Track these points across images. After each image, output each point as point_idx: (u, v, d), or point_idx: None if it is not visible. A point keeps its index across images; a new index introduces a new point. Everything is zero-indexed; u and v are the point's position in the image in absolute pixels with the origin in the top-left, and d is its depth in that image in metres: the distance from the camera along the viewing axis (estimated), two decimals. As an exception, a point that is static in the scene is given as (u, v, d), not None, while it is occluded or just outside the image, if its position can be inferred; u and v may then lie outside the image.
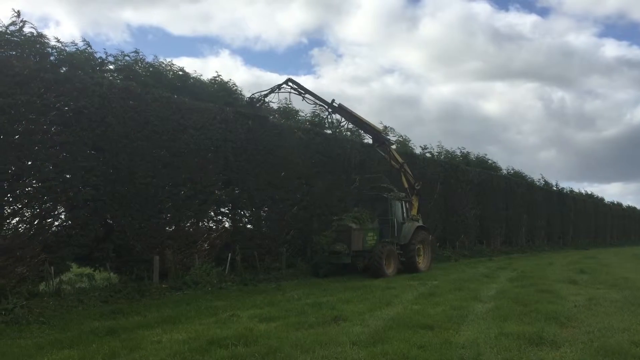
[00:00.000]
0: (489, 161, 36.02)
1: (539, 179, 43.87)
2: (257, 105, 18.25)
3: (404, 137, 26.75)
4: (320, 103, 19.47)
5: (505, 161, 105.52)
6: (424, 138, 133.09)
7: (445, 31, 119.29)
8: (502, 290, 13.54)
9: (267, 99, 18.49)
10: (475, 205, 31.34)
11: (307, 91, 19.02)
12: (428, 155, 29.10)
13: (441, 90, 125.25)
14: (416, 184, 21.05)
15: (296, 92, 18.94)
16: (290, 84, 18.77)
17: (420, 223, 20.32)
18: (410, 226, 19.47)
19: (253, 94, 18.29)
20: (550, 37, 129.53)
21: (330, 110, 19.64)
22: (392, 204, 19.13)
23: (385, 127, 25.60)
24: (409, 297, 12.57)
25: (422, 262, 19.71)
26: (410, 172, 21.22)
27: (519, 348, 7.35)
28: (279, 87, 18.59)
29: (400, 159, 20.90)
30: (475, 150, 44.01)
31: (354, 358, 6.90)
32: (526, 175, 41.05)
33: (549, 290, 13.35)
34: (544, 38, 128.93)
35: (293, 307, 11.03)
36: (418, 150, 28.29)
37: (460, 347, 7.41)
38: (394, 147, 22.06)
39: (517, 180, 38.37)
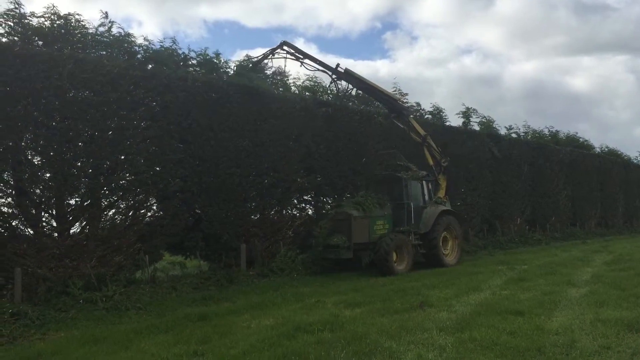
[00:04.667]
0: (580, 139, 34.30)
1: (636, 157, 41.38)
2: (247, 71, 15.91)
3: (487, 118, 25.86)
4: (323, 69, 17.09)
5: (598, 139, 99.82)
6: (508, 118, 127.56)
7: (524, 6, 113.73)
8: (598, 275, 12.89)
9: (258, 66, 16.61)
10: (566, 186, 29.93)
11: (306, 55, 16.89)
12: (514, 135, 28.09)
13: (523, 68, 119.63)
14: (443, 160, 18.08)
15: (293, 57, 16.83)
16: (285, 48, 16.75)
17: (447, 207, 17.32)
18: (433, 211, 16.54)
19: (243, 61, 16.53)
20: (638, 6, 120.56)
21: (335, 76, 17.23)
22: (408, 185, 16.37)
23: (468, 109, 25.02)
24: (497, 282, 12.25)
25: (448, 254, 16.81)
26: (435, 146, 18.15)
27: (617, 334, 7.00)
28: (272, 51, 16.67)
29: (422, 131, 17.98)
30: (565, 128, 42.15)
31: (441, 344, 6.79)
32: (622, 153, 38.82)
33: (650, 274, 12.57)
34: (632, 7, 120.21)
35: (378, 293, 11.03)
36: (503, 131, 27.30)
37: (553, 334, 7.15)
38: (413, 117, 18.87)
39: (612, 158, 36.34)
